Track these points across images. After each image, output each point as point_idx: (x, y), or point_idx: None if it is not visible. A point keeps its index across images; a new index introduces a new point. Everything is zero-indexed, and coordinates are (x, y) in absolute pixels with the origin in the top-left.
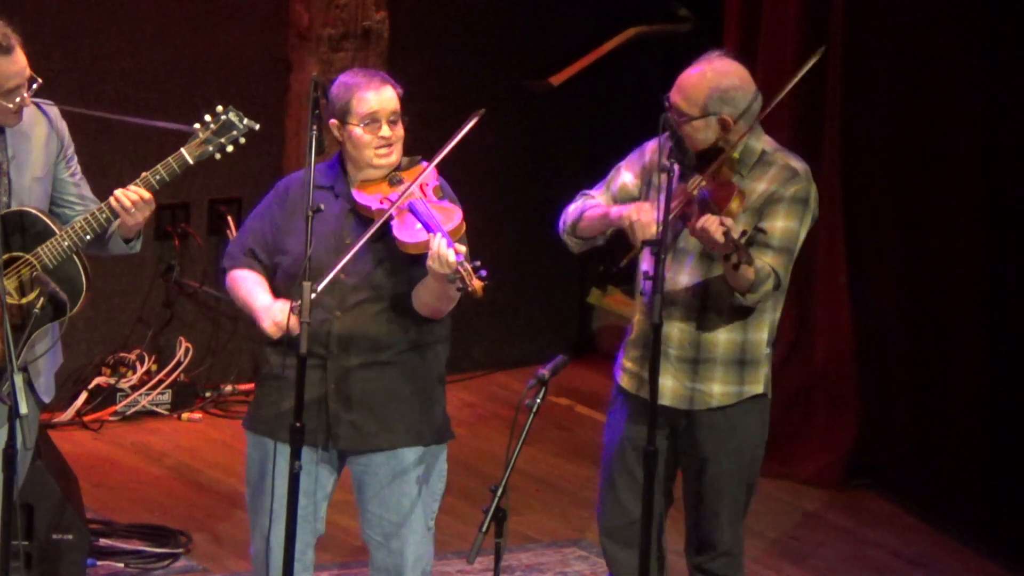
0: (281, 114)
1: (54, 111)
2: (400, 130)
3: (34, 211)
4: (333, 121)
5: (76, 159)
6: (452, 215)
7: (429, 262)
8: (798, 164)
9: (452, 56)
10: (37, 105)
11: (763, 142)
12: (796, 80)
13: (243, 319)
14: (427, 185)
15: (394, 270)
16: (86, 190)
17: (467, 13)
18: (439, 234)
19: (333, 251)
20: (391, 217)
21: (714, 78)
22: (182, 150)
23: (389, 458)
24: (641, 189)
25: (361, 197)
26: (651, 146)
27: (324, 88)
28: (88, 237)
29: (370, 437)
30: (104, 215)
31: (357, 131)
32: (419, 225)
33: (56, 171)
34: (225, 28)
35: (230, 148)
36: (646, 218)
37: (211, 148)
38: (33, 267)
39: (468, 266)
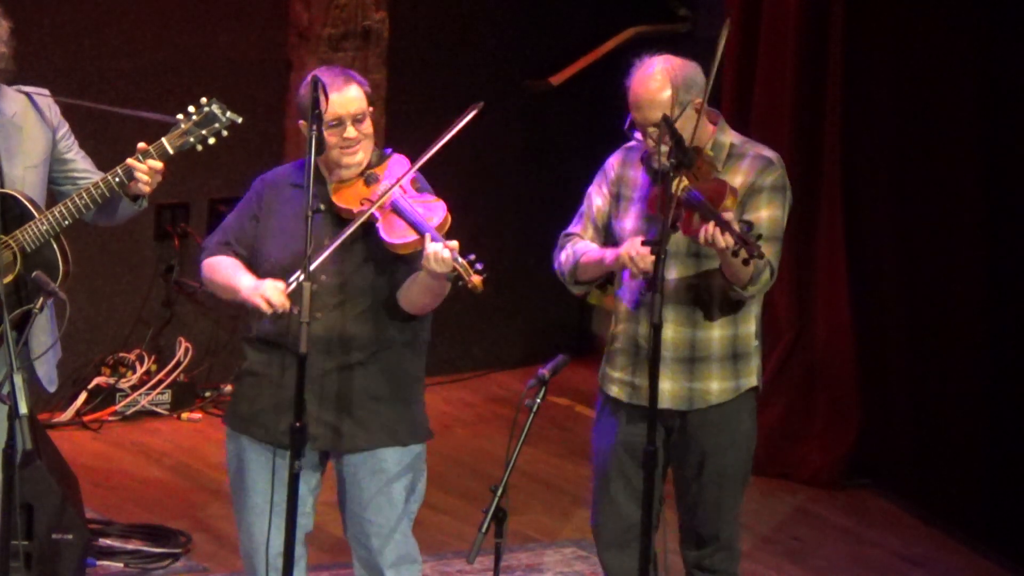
0: (281, 114)
1: (44, 100)
2: (367, 127)
3: (17, 194)
4: (302, 122)
5: (73, 136)
6: (436, 209)
7: (425, 263)
8: (769, 153)
9: (452, 56)
10: (28, 95)
11: (730, 136)
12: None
13: (241, 317)
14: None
15: (375, 270)
16: (90, 164)
17: (467, 13)
18: (429, 235)
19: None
20: (375, 219)
21: (668, 74)
22: (163, 140)
23: (368, 458)
24: (611, 204)
25: (341, 200)
26: (612, 161)
27: (324, 87)
28: (67, 222)
29: (348, 438)
30: (83, 200)
31: (323, 133)
32: (406, 225)
33: (56, 153)
34: (225, 28)
35: (212, 140)
36: (642, 250)
37: (192, 139)
38: (11, 249)
39: (464, 262)
